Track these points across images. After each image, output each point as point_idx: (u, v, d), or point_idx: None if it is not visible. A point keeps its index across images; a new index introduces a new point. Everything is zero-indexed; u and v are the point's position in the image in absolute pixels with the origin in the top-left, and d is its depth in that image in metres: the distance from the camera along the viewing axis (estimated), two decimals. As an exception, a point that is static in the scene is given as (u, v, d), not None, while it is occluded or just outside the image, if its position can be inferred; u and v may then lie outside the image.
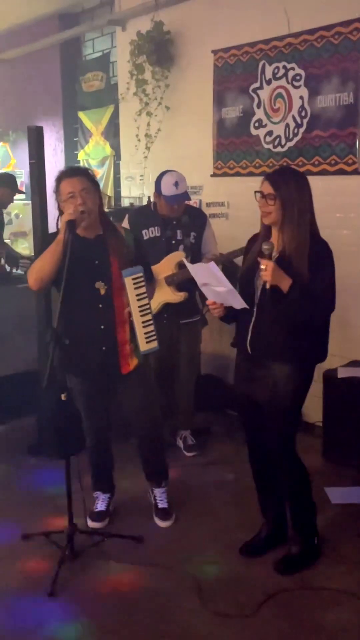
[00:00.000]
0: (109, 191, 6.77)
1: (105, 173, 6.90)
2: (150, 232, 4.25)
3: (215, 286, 3.03)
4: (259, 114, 5.03)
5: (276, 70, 4.86)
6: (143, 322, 3.32)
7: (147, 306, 3.31)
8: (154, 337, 3.34)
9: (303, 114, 4.70)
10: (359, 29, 4.28)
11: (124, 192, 6.47)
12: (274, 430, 3.10)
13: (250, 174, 5.10)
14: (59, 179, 3.27)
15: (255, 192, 2.98)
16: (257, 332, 3.02)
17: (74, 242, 3.12)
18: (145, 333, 3.33)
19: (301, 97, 4.70)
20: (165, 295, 4.21)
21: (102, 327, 3.32)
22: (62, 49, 7.32)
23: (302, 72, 4.67)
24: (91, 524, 3.61)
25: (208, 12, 5.35)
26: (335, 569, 3.16)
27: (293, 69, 4.74)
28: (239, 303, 3.01)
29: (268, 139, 4.98)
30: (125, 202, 6.24)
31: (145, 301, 3.29)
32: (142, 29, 5.62)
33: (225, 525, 3.58)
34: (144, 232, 4.23)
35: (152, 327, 3.33)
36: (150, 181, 6.04)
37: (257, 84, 5.02)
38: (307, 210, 2.94)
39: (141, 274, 3.25)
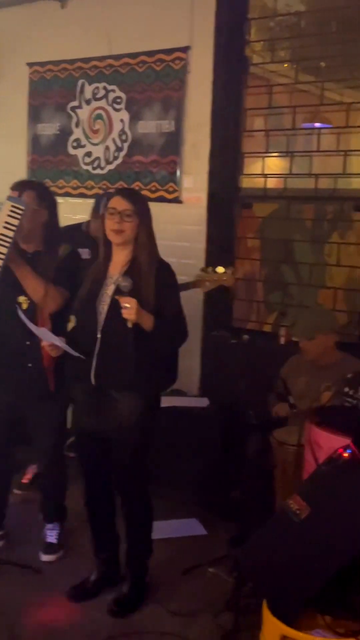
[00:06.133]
0: None
1: None
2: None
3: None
4: (78, 133, 4.90)
5: (96, 91, 4.76)
6: None
7: (8, 239, 2.98)
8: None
9: (124, 137, 4.63)
10: (181, 58, 4.31)
11: None
12: (125, 467, 2.94)
13: (67, 194, 4.93)
14: None
15: (108, 207, 2.79)
16: (102, 361, 2.83)
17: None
18: None
19: (122, 121, 4.63)
20: None
21: (28, 343, 3.11)
22: None
23: (123, 95, 4.61)
24: None
25: (24, 23, 5.11)
26: (160, 611, 3.04)
27: (114, 91, 4.66)
28: (73, 352, 2.84)
29: (87, 159, 4.86)
30: None
31: (10, 233, 2.96)
32: None
33: (45, 570, 3.32)
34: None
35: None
36: None
37: (76, 103, 4.88)
38: (152, 230, 2.87)
39: (23, 208, 2.96)
